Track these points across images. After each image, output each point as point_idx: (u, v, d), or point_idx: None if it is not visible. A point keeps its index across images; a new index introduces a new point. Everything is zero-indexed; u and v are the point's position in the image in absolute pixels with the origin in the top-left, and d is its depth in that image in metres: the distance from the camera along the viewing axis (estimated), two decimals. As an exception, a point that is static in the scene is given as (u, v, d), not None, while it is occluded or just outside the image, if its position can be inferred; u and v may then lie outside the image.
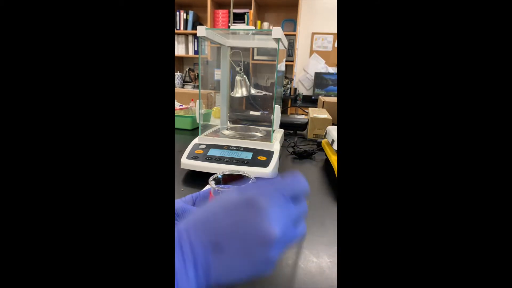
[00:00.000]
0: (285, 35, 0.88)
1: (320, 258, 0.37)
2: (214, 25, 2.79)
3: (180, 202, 0.36)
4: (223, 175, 0.39)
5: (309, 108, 1.20)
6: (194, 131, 1.07)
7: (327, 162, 0.77)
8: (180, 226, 0.18)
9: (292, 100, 2.76)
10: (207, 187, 0.38)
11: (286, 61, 2.68)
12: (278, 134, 0.74)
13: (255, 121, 0.93)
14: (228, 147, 0.64)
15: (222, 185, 0.38)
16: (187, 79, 2.98)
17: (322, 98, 1.37)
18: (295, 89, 2.95)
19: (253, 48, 2.53)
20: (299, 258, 0.37)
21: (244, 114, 1.05)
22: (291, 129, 1.09)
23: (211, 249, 0.17)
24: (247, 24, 2.68)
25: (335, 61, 2.90)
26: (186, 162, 0.61)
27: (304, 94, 3.03)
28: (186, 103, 1.23)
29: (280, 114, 0.68)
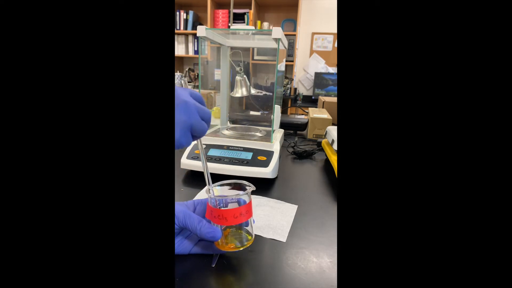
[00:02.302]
0: (285, 35, 0.88)
1: (320, 258, 0.37)
2: (214, 25, 2.79)
3: (182, 206, 0.35)
4: (221, 185, 0.37)
5: (309, 108, 1.20)
6: (194, 131, 1.07)
7: (327, 162, 0.78)
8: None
9: (292, 100, 2.76)
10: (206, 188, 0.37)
11: (286, 61, 2.68)
12: (278, 134, 0.74)
13: (255, 121, 0.93)
14: (228, 147, 0.64)
15: (219, 189, 0.37)
16: (187, 79, 2.98)
17: (322, 98, 1.37)
18: (295, 89, 2.95)
19: (253, 48, 2.53)
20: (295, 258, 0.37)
21: (244, 114, 1.05)
22: (291, 129, 1.09)
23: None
24: (247, 24, 2.68)
25: (335, 61, 2.90)
26: (186, 162, 0.61)
27: (304, 94, 3.03)
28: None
29: (280, 114, 0.68)
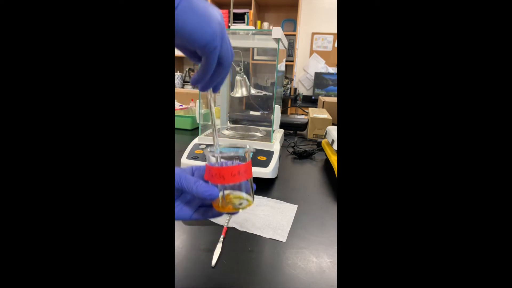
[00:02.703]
0: (285, 35, 0.88)
1: (320, 258, 0.37)
2: (214, 25, 2.78)
3: (178, 170, 0.33)
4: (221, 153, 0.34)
5: (309, 108, 1.20)
6: (194, 131, 1.07)
7: (327, 162, 0.78)
8: None
9: (292, 100, 2.76)
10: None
11: (286, 61, 2.68)
12: (278, 134, 0.74)
13: (255, 121, 0.93)
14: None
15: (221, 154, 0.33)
16: (187, 79, 2.98)
17: (322, 98, 1.37)
18: (295, 89, 2.95)
19: (253, 48, 2.53)
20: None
21: (244, 114, 1.05)
22: (291, 129, 1.09)
23: None
24: (247, 24, 2.68)
25: (335, 61, 2.90)
26: (186, 162, 0.61)
27: (304, 94, 3.03)
28: (186, 103, 1.23)
29: (280, 114, 0.68)
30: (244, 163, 0.32)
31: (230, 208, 0.32)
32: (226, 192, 0.33)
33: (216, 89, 0.32)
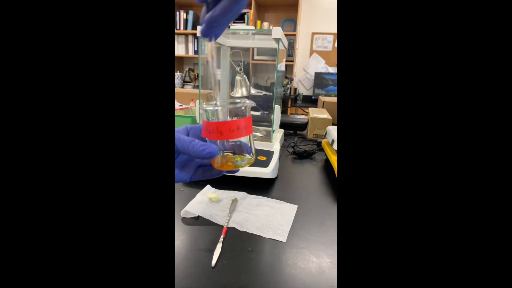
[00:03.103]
0: (285, 35, 0.88)
1: (320, 258, 0.37)
2: (214, 25, 2.78)
3: (176, 132, 0.31)
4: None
5: (309, 108, 1.20)
6: (194, 131, 1.07)
7: (327, 162, 0.78)
8: None
9: (292, 100, 2.76)
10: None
11: (286, 61, 2.68)
12: (278, 134, 0.74)
13: (255, 121, 0.93)
14: (228, 147, 0.64)
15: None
16: (187, 79, 2.98)
17: (322, 98, 1.37)
18: (295, 89, 2.95)
19: (253, 48, 2.53)
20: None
21: (244, 114, 1.05)
22: (291, 129, 1.09)
23: None
24: (247, 24, 2.68)
25: (335, 61, 2.90)
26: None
27: (304, 94, 3.03)
28: (186, 103, 1.23)
29: (280, 114, 0.68)
30: (243, 117, 0.29)
31: (230, 166, 0.30)
32: (228, 156, 0.30)
33: (217, 36, 0.30)
